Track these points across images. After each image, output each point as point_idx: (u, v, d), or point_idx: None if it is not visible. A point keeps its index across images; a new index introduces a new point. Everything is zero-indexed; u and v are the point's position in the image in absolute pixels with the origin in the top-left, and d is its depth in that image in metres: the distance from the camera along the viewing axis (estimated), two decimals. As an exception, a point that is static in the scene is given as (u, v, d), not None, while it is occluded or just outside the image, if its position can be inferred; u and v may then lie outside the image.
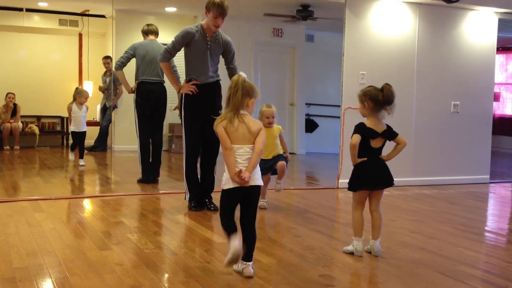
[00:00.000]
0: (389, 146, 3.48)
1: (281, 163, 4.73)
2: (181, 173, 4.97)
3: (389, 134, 3.42)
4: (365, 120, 3.42)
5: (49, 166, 7.41)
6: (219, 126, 2.86)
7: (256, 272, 3.01)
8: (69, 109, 7.25)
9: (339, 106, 6.31)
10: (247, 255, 2.91)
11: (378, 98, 3.33)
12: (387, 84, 3.39)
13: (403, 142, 3.44)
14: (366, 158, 3.37)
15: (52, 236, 3.69)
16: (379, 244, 3.45)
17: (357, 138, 3.33)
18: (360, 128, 3.36)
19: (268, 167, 4.71)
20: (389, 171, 3.45)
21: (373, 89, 3.37)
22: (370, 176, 3.38)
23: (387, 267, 3.23)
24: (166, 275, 2.97)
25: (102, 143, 8.74)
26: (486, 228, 4.61)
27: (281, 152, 4.77)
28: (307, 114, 9.97)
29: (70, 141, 7.48)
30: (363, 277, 3.13)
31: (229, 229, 2.86)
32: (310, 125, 9.96)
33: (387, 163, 3.46)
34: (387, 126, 3.43)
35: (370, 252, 3.46)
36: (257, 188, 2.89)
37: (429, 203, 5.49)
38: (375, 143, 3.39)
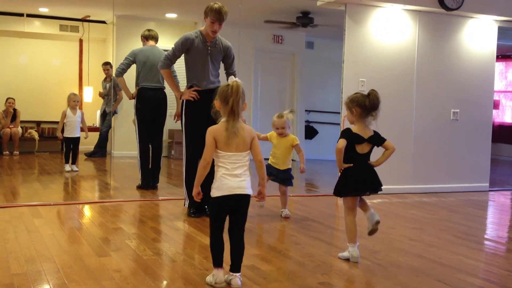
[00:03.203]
0: (378, 152, 3.50)
1: (282, 189, 4.72)
2: (181, 179, 4.97)
3: (376, 139, 3.44)
4: (352, 127, 3.46)
5: (48, 171, 7.40)
6: (210, 136, 2.81)
7: (255, 279, 3.00)
8: (63, 114, 7.23)
9: (338, 113, 6.31)
10: (235, 266, 2.87)
11: (365, 104, 3.38)
12: (373, 90, 3.45)
13: (391, 147, 3.46)
14: (352, 164, 3.40)
15: (51, 242, 3.68)
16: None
17: (342, 142, 3.37)
18: (346, 134, 3.41)
19: (274, 174, 4.68)
20: (377, 177, 3.47)
21: (360, 96, 3.43)
22: (356, 181, 3.42)
23: (386, 275, 3.22)
24: (165, 282, 2.96)
25: (101, 149, 8.74)
26: (486, 236, 4.60)
27: (290, 165, 4.74)
28: (307, 121, 9.98)
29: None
30: (362, 285, 3.12)
31: (216, 259, 2.84)
32: (310, 132, 9.97)
33: (377, 169, 3.49)
34: (374, 132, 3.46)
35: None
36: (246, 196, 2.85)
37: (428, 211, 5.48)
38: (361, 149, 3.42)
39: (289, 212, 4.80)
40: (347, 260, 3.46)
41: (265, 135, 4.69)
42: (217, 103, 2.86)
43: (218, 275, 2.83)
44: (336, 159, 3.41)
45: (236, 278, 2.84)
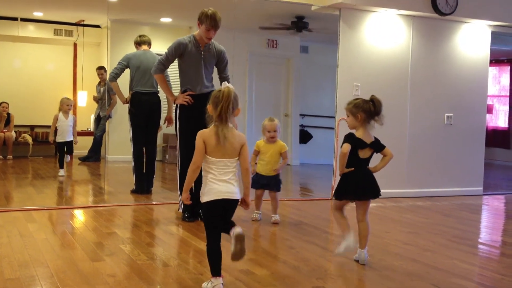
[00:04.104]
0: (377, 158, 3.52)
1: (272, 195, 4.69)
2: (175, 183, 4.97)
3: (377, 146, 3.47)
4: (354, 131, 3.47)
5: (42, 176, 7.38)
6: (200, 139, 2.80)
7: (250, 284, 3.00)
8: (55, 118, 7.18)
9: (333, 117, 6.32)
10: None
11: (371, 109, 3.40)
12: (373, 95, 3.47)
13: (389, 154, 3.50)
14: (353, 168, 3.42)
15: (44, 247, 3.66)
16: (366, 253, 3.50)
17: (347, 147, 3.39)
18: (350, 138, 3.43)
19: (265, 183, 4.66)
20: (376, 183, 3.49)
21: (362, 101, 3.44)
22: (357, 186, 3.43)
23: (381, 279, 3.22)
24: (159, 287, 2.95)
25: (95, 153, 8.72)
26: (480, 240, 4.61)
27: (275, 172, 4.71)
28: (301, 125, 9.98)
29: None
30: (357, 289, 3.12)
31: (214, 268, 2.80)
32: (305, 136, 9.97)
33: (375, 174, 3.51)
34: (375, 138, 3.47)
35: (358, 261, 3.50)
36: (234, 201, 2.84)
37: (422, 215, 5.50)
38: (363, 154, 3.44)
39: (279, 218, 4.77)
40: (341, 263, 3.46)
41: (254, 151, 4.65)
42: (209, 107, 2.87)
43: (217, 283, 2.79)
44: (339, 163, 3.43)
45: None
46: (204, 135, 2.82)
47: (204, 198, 2.81)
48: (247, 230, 4.35)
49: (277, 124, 4.62)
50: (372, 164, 3.51)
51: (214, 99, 2.82)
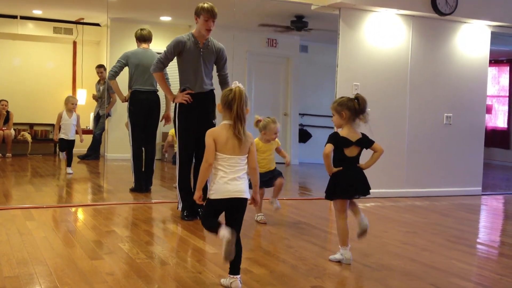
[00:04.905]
0: (367, 154, 3.51)
1: (280, 180, 4.69)
2: (174, 182, 4.96)
3: (365, 142, 3.47)
4: (339, 130, 3.49)
5: (41, 174, 7.38)
6: (210, 138, 2.82)
7: (249, 283, 3.00)
8: (59, 116, 7.27)
9: (332, 116, 6.31)
10: (235, 269, 2.87)
11: (355, 107, 3.40)
12: (358, 93, 3.49)
13: (379, 149, 3.48)
14: (341, 168, 3.42)
15: (43, 245, 3.66)
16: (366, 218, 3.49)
17: (329, 147, 3.40)
18: (333, 138, 3.44)
19: (265, 180, 4.67)
20: (366, 180, 3.49)
21: (347, 99, 3.46)
22: (346, 185, 3.43)
23: (379, 278, 3.22)
24: (157, 286, 2.95)
25: (95, 152, 8.72)
26: (478, 240, 4.62)
27: (274, 165, 4.73)
28: (301, 124, 9.99)
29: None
30: (355, 288, 3.13)
31: (215, 227, 2.77)
32: (304, 135, 9.98)
33: (366, 172, 3.51)
34: (363, 134, 3.48)
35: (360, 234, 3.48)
36: (244, 200, 2.85)
37: (421, 214, 5.50)
38: (349, 152, 3.44)
39: (279, 204, 4.78)
40: (339, 262, 3.47)
41: None
42: (219, 106, 2.89)
43: (225, 232, 2.70)
44: (324, 164, 3.43)
45: (237, 281, 2.85)
46: (214, 134, 2.83)
47: (213, 196, 2.82)
48: (246, 229, 4.35)
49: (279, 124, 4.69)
50: (363, 160, 3.50)
51: (225, 99, 2.84)
